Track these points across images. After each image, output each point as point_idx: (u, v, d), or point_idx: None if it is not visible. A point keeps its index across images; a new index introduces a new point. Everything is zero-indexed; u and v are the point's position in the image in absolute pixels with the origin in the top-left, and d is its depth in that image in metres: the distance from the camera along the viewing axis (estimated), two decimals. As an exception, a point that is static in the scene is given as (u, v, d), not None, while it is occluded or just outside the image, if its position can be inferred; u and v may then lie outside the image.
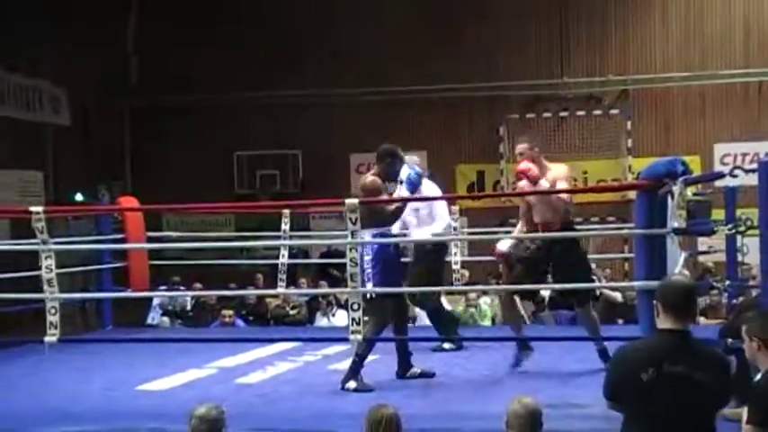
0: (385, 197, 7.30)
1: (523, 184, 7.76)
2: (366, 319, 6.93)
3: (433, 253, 8.51)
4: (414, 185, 7.27)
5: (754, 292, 8.20)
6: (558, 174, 7.67)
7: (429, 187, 8.49)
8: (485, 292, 12.35)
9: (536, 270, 7.47)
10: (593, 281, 8.00)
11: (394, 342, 7.59)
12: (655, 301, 4.41)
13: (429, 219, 8.48)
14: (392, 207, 7.26)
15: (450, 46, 16.17)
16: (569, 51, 16.45)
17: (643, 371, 4.17)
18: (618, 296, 11.81)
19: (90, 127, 15.99)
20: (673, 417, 4.17)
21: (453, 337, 8.70)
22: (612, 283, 12.38)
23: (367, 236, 6.98)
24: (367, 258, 7.03)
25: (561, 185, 7.62)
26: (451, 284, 10.07)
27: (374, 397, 5.60)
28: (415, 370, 7.50)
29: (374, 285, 6.99)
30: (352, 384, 7.02)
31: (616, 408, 4.40)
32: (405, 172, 7.23)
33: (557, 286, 7.92)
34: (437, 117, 16.37)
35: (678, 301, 4.30)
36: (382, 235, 7.19)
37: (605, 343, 7.20)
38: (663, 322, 4.31)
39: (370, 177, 7.31)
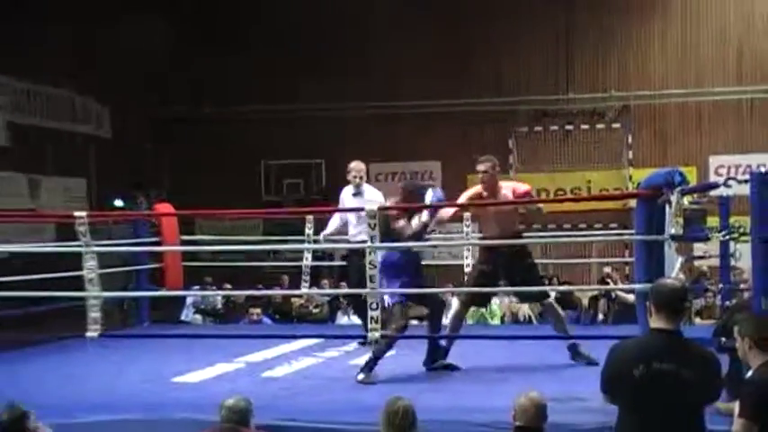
0: (402, 222, 7.25)
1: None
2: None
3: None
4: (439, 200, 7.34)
5: (746, 295, 8.17)
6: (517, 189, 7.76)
7: (371, 192, 8.75)
8: (495, 293, 12.33)
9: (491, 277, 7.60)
10: (543, 282, 8.04)
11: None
12: (647, 302, 4.40)
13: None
14: (410, 232, 7.23)
15: (463, 64, 16.20)
16: (574, 70, 16.45)
17: (634, 367, 4.17)
18: (631, 298, 11.77)
19: (129, 139, 16.07)
20: (662, 411, 4.17)
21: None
22: (617, 285, 12.31)
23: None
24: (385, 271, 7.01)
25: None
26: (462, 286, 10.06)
27: (391, 390, 5.59)
28: (442, 362, 7.50)
29: (390, 297, 7.05)
30: (360, 376, 7.08)
31: (611, 401, 4.40)
32: (429, 196, 7.31)
33: (561, 288, 7.92)
34: (451, 130, 16.36)
35: (669, 302, 4.29)
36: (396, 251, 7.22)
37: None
38: (655, 322, 4.30)
39: (389, 203, 7.50)
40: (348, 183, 8.83)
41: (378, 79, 16.21)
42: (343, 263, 6.93)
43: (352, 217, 8.62)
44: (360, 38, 16.29)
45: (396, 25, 16.06)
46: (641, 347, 4.30)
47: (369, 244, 6.60)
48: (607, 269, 13.34)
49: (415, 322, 9.84)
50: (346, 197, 8.81)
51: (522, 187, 7.93)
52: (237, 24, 16.71)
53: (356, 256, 8.25)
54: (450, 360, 7.58)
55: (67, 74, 14.49)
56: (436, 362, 7.52)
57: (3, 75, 13.20)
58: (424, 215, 7.25)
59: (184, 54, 16.97)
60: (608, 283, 12.53)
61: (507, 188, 7.72)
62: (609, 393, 4.38)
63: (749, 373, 4.58)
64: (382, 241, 6.93)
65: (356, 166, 8.76)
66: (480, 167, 7.58)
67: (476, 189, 7.65)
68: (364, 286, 6.93)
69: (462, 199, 7.75)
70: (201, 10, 16.88)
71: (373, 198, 8.51)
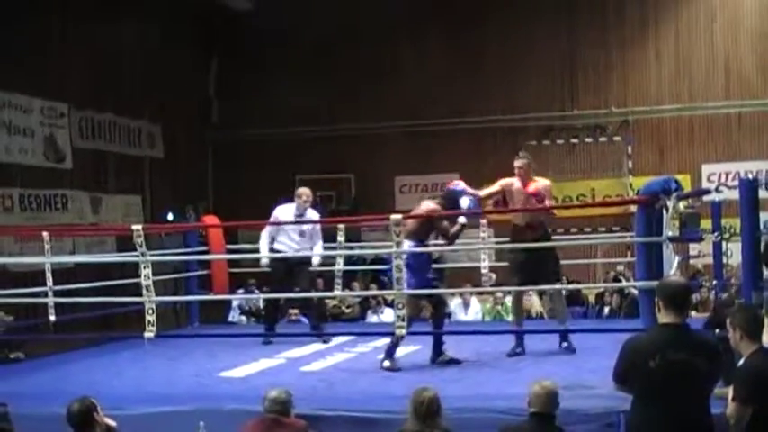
0: (446, 223, 7.52)
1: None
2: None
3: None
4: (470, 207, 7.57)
5: (733, 290, 8.12)
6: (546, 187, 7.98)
7: (313, 214, 9.13)
8: (509, 291, 12.28)
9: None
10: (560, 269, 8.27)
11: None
12: (656, 299, 4.38)
13: (314, 238, 9.04)
14: (454, 231, 7.50)
15: (477, 85, 16.14)
16: (578, 88, 16.40)
17: (650, 358, 4.15)
18: None
19: (179, 158, 16.17)
20: (676, 398, 4.14)
21: (321, 333, 8.94)
22: (621, 284, 12.24)
23: (407, 244, 7.10)
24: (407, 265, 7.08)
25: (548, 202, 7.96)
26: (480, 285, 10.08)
27: (417, 381, 5.58)
28: (446, 356, 7.54)
29: (409, 286, 7.06)
30: (386, 363, 7.22)
31: (623, 389, 4.37)
32: (465, 203, 7.50)
33: (570, 287, 7.90)
34: (467, 144, 16.32)
35: (676, 298, 4.28)
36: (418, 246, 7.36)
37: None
38: (664, 317, 4.28)
39: (434, 206, 7.54)
40: (286, 201, 9.10)
41: (401, 99, 16.21)
42: (389, 267, 6.99)
43: (294, 234, 8.89)
44: (386, 62, 16.31)
45: (419, 50, 16.07)
46: (654, 340, 4.27)
47: (394, 249, 6.60)
48: (620, 267, 13.28)
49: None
50: (285, 216, 8.88)
51: (544, 182, 8.12)
52: (274, 58, 16.75)
53: (304, 265, 8.86)
54: (467, 354, 7.66)
55: (126, 101, 14.61)
56: (440, 355, 7.57)
57: (65, 104, 13.31)
58: (462, 219, 7.46)
59: (228, 83, 17.09)
60: (620, 281, 12.47)
61: (537, 183, 7.94)
62: (624, 383, 4.34)
63: (741, 361, 4.56)
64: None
65: (307, 191, 9.04)
66: (517, 163, 7.93)
67: (510, 179, 7.96)
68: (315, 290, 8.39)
69: (496, 186, 8.04)
70: (240, 41, 16.94)
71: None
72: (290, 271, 8.85)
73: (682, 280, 4.65)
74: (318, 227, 9.19)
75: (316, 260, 9.06)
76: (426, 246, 7.61)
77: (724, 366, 4.30)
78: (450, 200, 7.57)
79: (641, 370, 4.18)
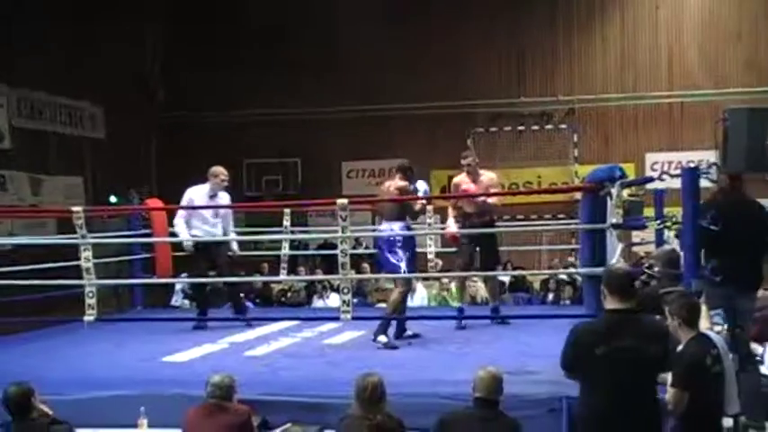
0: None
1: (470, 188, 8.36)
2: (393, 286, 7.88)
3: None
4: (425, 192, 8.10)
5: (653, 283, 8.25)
6: (492, 180, 8.57)
7: (225, 196, 9.03)
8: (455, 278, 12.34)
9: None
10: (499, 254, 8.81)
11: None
12: (601, 287, 4.42)
13: (228, 218, 9.06)
14: (419, 207, 7.95)
15: (427, 72, 16.17)
16: (525, 76, 16.52)
17: (596, 346, 4.18)
18: None
19: (122, 140, 15.92)
20: (623, 385, 4.18)
21: (247, 318, 8.95)
22: (563, 270, 12.36)
23: (396, 227, 7.57)
24: (399, 245, 7.55)
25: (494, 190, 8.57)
26: (426, 271, 10.11)
27: (361, 366, 5.56)
28: (409, 332, 7.87)
29: (406, 265, 7.52)
30: (383, 339, 7.39)
31: (572, 377, 4.41)
32: (422, 186, 7.91)
33: (516, 272, 7.93)
34: (416, 130, 16.36)
35: (621, 285, 4.32)
36: (408, 228, 7.79)
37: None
38: (609, 303, 4.32)
39: (402, 183, 7.72)
40: (199, 183, 8.96)
41: (349, 85, 16.17)
42: (335, 252, 6.75)
43: (208, 215, 8.79)
44: (334, 48, 16.21)
45: (367, 36, 15.99)
46: (601, 327, 4.31)
47: (340, 234, 6.56)
48: (571, 258, 13.27)
49: (383, 305, 9.84)
50: (198, 197, 8.79)
51: (491, 174, 8.76)
52: (220, 39, 16.57)
53: (222, 247, 8.84)
54: (415, 340, 7.81)
55: (63, 80, 14.32)
56: (404, 332, 7.85)
57: (5, 83, 13.02)
58: (418, 204, 7.93)
59: (173, 65, 16.85)
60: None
61: (485, 175, 8.54)
62: (571, 371, 4.38)
63: (680, 347, 4.63)
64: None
65: (222, 170, 8.91)
66: (465, 161, 8.45)
67: (462, 176, 8.49)
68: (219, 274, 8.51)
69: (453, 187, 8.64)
70: (188, 19, 16.70)
71: (225, 200, 9.01)
72: (209, 255, 8.76)
73: (626, 267, 4.71)
74: (230, 218, 9.15)
75: (235, 246, 9.02)
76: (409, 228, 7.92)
77: (670, 351, 4.35)
78: (409, 170, 7.86)
79: (588, 358, 4.21)
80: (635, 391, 4.18)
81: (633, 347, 4.17)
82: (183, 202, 8.78)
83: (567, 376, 4.43)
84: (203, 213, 8.75)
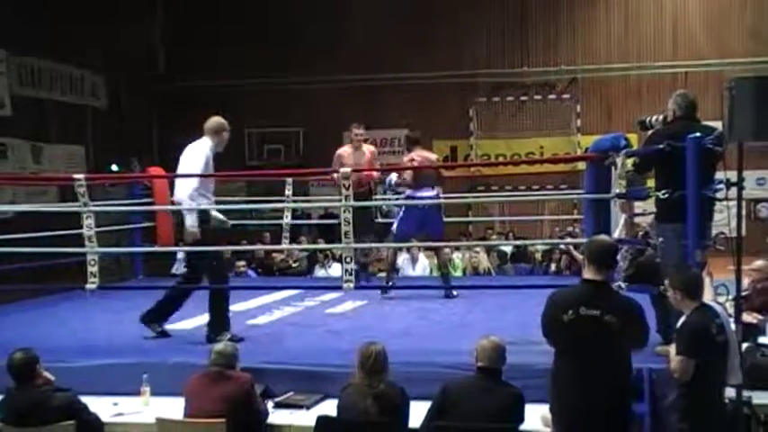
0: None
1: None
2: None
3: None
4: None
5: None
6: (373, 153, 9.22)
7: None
8: (458, 248, 12.36)
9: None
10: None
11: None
12: (581, 255, 4.43)
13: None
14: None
15: (430, 42, 16.08)
16: (528, 45, 16.42)
17: (564, 313, 4.22)
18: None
19: (123, 108, 15.86)
20: (590, 354, 4.21)
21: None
22: (566, 240, 12.32)
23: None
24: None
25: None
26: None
27: (364, 336, 5.56)
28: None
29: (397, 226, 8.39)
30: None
31: (549, 343, 4.43)
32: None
33: (517, 242, 7.91)
34: (417, 100, 16.28)
35: (599, 256, 4.32)
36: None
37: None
38: (586, 273, 4.33)
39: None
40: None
41: (351, 54, 16.04)
42: (337, 221, 6.57)
43: (211, 184, 7.20)
44: (336, 18, 16.08)
45: (369, 6, 15.81)
46: (572, 295, 4.33)
47: (343, 203, 6.52)
48: (570, 228, 13.26)
49: (383, 274, 9.85)
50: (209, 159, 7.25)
51: (371, 147, 9.46)
52: (223, 5, 16.47)
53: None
54: (417, 310, 7.86)
55: (65, 48, 14.22)
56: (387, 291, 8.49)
57: (6, 50, 12.93)
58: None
59: (174, 33, 16.76)
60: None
61: (365, 147, 9.14)
62: (547, 337, 4.41)
63: (683, 318, 4.64)
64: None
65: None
66: (359, 131, 9.12)
67: (345, 148, 9.17)
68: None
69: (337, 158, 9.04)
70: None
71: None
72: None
73: (608, 239, 4.69)
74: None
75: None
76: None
77: (642, 329, 4.32)
78: (409, 141, 8.84)
79: (557, 324, 4.25)
80: (600, 362, 4.20)
81: (596, 318, 4.18)
82: (201, 164, 6.98)
83: (546, 342, 4.45)
84: (208, 183, 7.24)
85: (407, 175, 8.41)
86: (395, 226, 8.50)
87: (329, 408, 5.14)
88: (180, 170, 6.93)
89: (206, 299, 6.81)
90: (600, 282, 4.28)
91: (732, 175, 5.31)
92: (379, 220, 9.28)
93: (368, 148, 9.13)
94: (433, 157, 9.12)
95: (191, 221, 6.65)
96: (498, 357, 4.80)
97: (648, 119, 6.41)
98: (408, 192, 8.54)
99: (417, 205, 8.22)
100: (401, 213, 8.52)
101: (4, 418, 5.01)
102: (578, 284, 4.41)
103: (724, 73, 14.97)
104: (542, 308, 4.44)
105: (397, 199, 8.91)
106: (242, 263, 11.83)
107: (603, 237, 4.75)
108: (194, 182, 6.73)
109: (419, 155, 8.55)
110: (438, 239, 8.53)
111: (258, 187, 14.50)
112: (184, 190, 6.75)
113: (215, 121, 7.39)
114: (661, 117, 6.21)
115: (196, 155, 6.95)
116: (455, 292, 8.45)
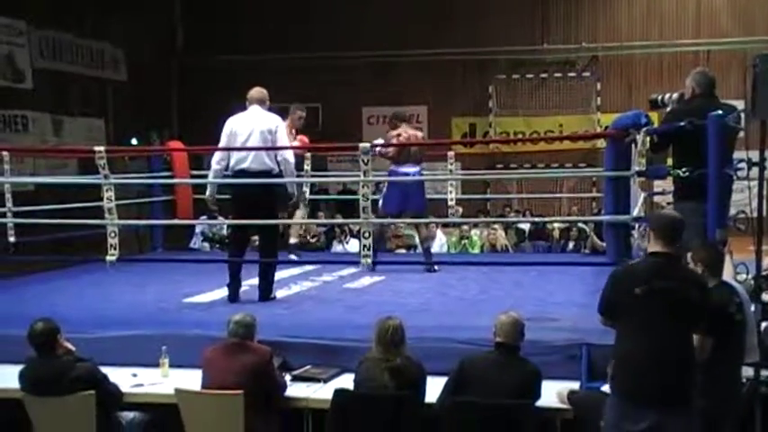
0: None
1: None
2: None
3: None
4: None
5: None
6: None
7: None
8: (476, 225, 12.33)
9: None
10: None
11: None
12: (647, 229, 4.37)
13: None
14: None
15: (449, 18, 15.99)
16: (549, 22, 16.29)
17: (636, 286, 4.13)
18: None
19: (143, 82, 15.86)
20: (660, 325, 4.12)
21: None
22: (586, 217, 12.28)
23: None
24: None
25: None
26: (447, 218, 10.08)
27: (381, 311, 5.55)
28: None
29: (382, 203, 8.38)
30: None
31: (608, 323, 4.35)
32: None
33: (539, 220, 7.90)
34: (436, 77, 16.22)
35: (667, 230, 4.26)
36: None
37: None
38: (653, 246, 4.27)
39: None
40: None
41: (371, 30, 15.99)
42: (356, 197, 6.61)
43: None
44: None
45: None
46: (642, 269, 4.26)
47: (362, 178, 6.51)
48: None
49: (403, 251, 9.84)
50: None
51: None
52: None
53: None
54: (435, 286, 7.88)
55: (85, 22, 14.24)
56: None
57: (23, 21, 12.95)
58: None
59: (195, 6, 16.73)
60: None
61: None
62: (608, 315, 4.31)
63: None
64: None
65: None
66: (303, 114, 9.41)
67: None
68: None
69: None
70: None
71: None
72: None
73: (674, 213, 4.63)
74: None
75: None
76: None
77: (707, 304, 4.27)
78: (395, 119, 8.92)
79: (627, 299, 4.15)
80: (671, 334, 4.12)
81: (673, 289, 4.11)
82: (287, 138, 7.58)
83: (603, 322, 4.36)
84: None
85: (392, 149, 8.42)
86: (380, 203, 8.47)
87: (346, 381, 5.15)
88: (277, 140, 7.50)
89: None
90: (669, 254, 4.23)
91: (754, 155, 5.25)
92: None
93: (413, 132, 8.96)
94: (420, 134, 9.28)
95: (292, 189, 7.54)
96: (517, 333, 4.80)
97: (660, 96, 6.36)
98: (392, 167, 8.54)
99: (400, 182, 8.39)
100: (384, 190, 8.61)
101: (25, 387, 5.06)
102: (646, 258, 4.37)
103: (747, 51, 14.81)
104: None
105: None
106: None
107: (669, 211, 4.71)
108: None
109: (406, 131, 8.64)
110: (420, 215, 8.48)
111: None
112: (291, 157, 7.34)
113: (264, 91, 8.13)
114: (675, 95, 6.15)
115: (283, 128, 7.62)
116: (437, 267, 8.62)
